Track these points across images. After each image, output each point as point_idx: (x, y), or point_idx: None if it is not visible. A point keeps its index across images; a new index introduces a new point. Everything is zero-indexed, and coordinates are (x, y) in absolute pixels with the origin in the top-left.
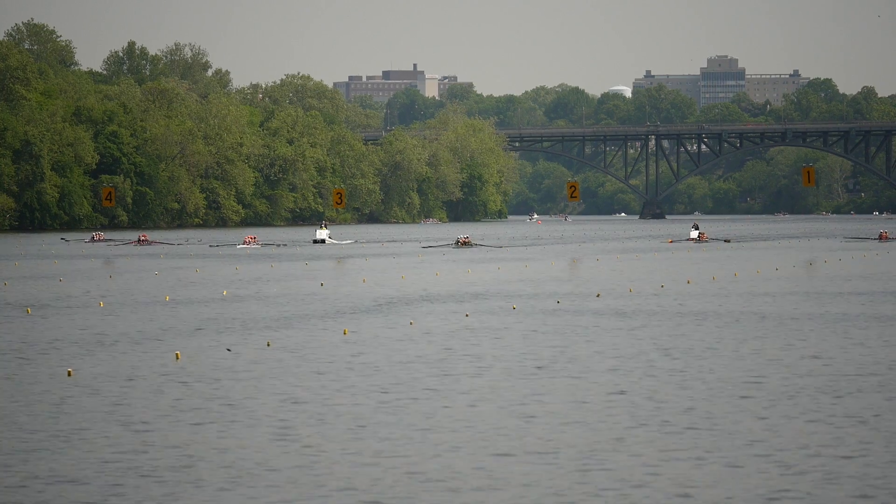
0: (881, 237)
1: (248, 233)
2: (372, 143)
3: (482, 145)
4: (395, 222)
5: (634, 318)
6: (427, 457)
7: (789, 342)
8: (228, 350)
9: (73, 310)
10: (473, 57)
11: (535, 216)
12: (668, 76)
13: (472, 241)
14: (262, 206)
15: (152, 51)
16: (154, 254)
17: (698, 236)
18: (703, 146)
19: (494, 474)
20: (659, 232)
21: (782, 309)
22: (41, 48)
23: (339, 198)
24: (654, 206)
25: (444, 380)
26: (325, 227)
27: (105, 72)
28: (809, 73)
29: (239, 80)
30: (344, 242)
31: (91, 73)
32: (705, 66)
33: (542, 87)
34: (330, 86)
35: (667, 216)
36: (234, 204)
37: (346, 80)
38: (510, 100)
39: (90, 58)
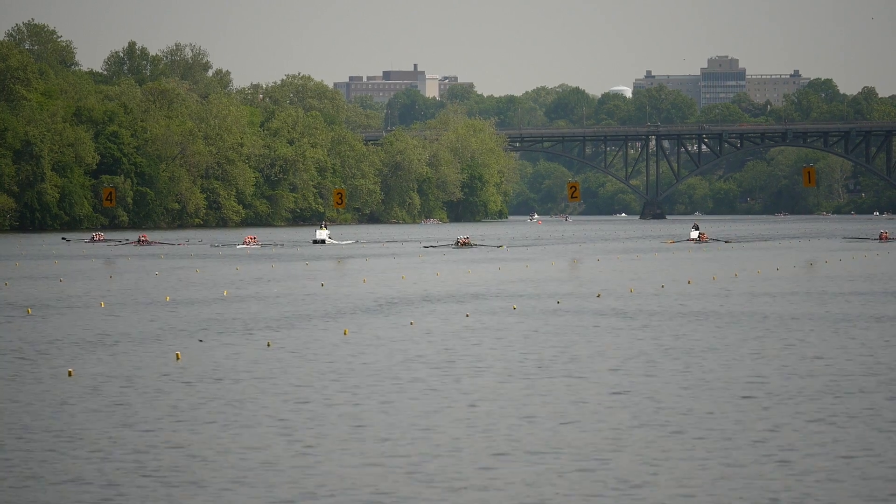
0: (881, 237)
1: (249, 233)
2: (372, 144)
3: (483, 145)
4: (395, 223)
5: (635, 318)
6: (427, 457)
7: (790, 342)
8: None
9: (73, 310)
10: (474, 57)
11: (536, 216)
12: (668, 76)
13: (472, 242)
14: (263, 207)
15: (153, 51)
16: (154, 254)
17: (698, 237)
18: (704, 146)
19: (495, 474)
20: (659, 232)
21: (783, 309)
22: (42, 48)
23: (340, 198)
24: (655, 207)
25: (445, 380)
26: (325, 227)
27: (105, 72)
28: (810, 73)
29: (239, 81)
30: (344, 243)
31: (91, 73)
32: (706, 66)
33: (543, 88)
34: (330, 86)
35: (667, 216)
36: (235, 204)
37: (347, 80)
38: (511, 100)
39: (91, 58)
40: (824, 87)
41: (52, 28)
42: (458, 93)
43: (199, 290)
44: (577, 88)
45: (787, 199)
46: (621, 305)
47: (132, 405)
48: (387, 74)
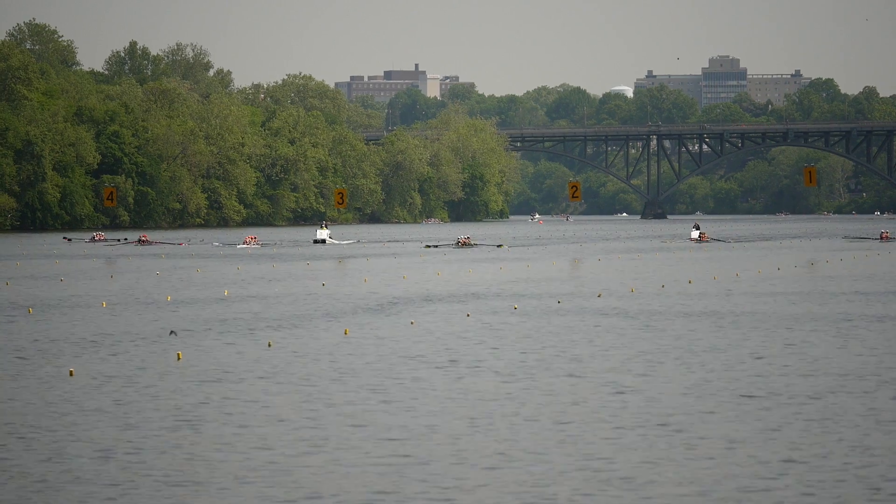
0: (882, 237)
1: (249, 233)
2: (373, 143)
3: (484, 145)
4: (396, 222)
5: (636, 318)
6: (429, 457)
7: (791, 342)
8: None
9: (74, 310)
10: (475, 57)
11: (537, 216)
12: (669, 76)
13: (473, 242)
14: (264, 206)
15: (154, 51)
16: (155, 254)
17: (699, 237)
18: (705, 146)
19: (495, 474)
20: (660, 232)
21: (784, 309)
22: (43, 48)
23: (341, 198)
24: (656, 207)
25: (446, 380)
26: (326, 227)
27: (107, 72)
28: (811, 73)
29: (240, 81)
30: (344, 242)
31: (93, 73)
32: (707, 66)
33: (544, 87)
34: (331, 86)
35: (668, 216)
36: (236, 204)
37: (348, 80)
38: (512, 100)
39: (92, 58)
40: (825, 87)
41: (53, 28)
42: (459, 92)
43: (200, 290)
44: (579, 88)
45: (788, 198)
46: (622, 305)
47: (133, 405)
48: (388, 74)
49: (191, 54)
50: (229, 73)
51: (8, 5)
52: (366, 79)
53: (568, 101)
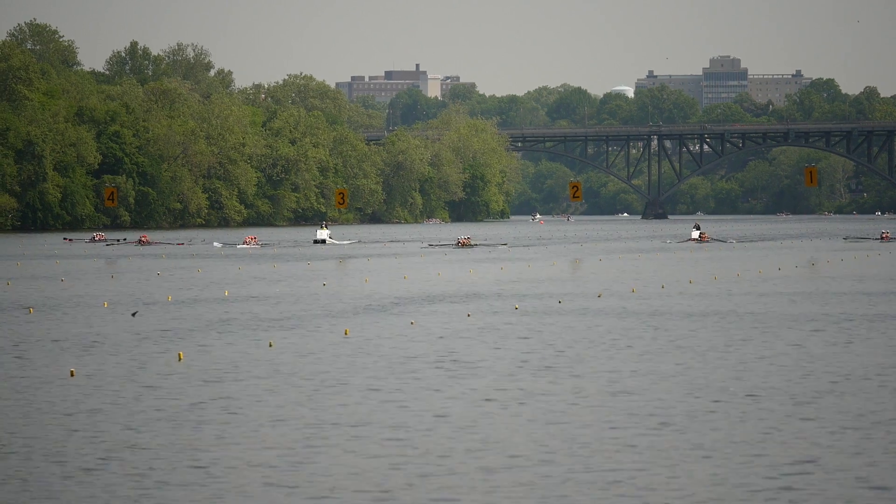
0: (882, 237)
1: (250, 233)
2: (374, 144)
3: (484, 145)
4: (397, 222)
5: (636, 318)
6: (428, 457)
7: (792, 342)
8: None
9: (75, 310)
10: (476, 57)
11: (538, 216)
12: (670, 76)
13: (473, 242)
14: (265, 206)
15: (155, 51)
16: (156, 254)
17: (699, 237)
18: (706, 146)
19: (496, 474)
20: (661, 232)
21: (784, 309)
22: (44, 48)
23: (342, 198)
24: (657, 207)
25: (446, 379)
26: (326, 227)
27: (107, 72)
28: (812, 73)
29: (241, 81)
30: (344, 242)
31: (93, 73)
32: (708, 66)
33: (545, 88)
34: (332, 86)
35: (669, 216)
36: (237, 204)
37: (349, 80)
38: (512, 100)
39: (92, 58)
40: (826, 87)
41: (54, 28)
42: (459, 93)
43: (200, 291)
44: (579, 88)
45: (789, 198)
46: (623, 305)
47: (134, 405)
48: (389, 74)
49: (191, 54)
50: (230, 73)
51: (8, 5)
52: (366, 79)
53: (569, 102)
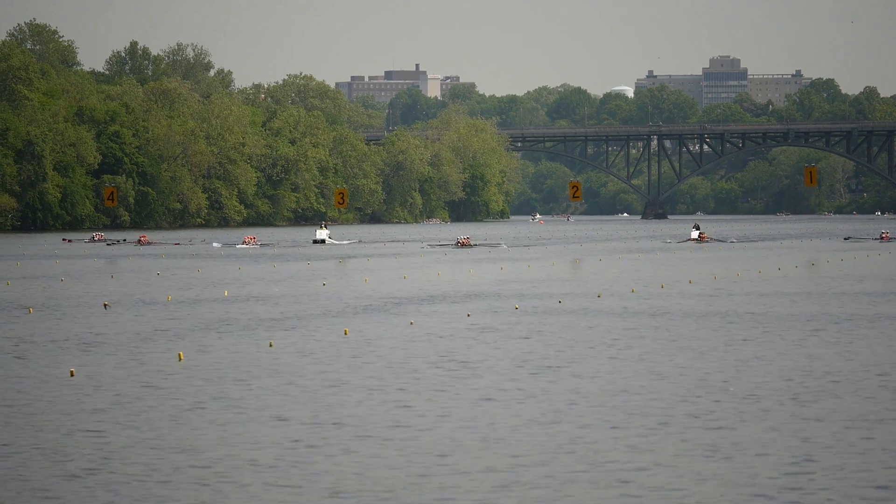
0: (882, 238)
1: (249, 233)
2: (374, 144)
3: (484, 145)
4: (397, 222)
5: (636, 318)
6: (429, 457)
7: (792, 342)
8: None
9: (75, 310)
10: (475, 57)
11: (538, 216)
12: (670, 76)
13: (473, 242)
14: (265, 206)
15: (154, 51)
16: (155, 254)
17: (699, 237)
18: (706, 146)
19: (497, 474)
20: (661, 232)
21: (784, 309)
22: (43, 48)
23: (342, 198)
24: (657, 207)
25: (446, 380)
26: (325, 227)
27: (107, 72)
28: (811, 73)
29: (241, 81)
30: (344, 242)
31: (93, 73)
32: (707, 66)
33: (545, 88)
34: (332, 86)
35: (669, 216)
36: (237, 204)
37: (349, 80)
38: (512, 100)
39: (92, 58)
40: (826, 87)
41: (53, 28)
42: (459, 92)
43: (200, 291)
44: (579, 88)
45: (789, 198)
46: (623, 305)
47: (134, 405)
48: (388, 74)
49: (191, 54)
50: (230, 73)
51: (8, 5)
52: (366, 79)
53: (568, 102)
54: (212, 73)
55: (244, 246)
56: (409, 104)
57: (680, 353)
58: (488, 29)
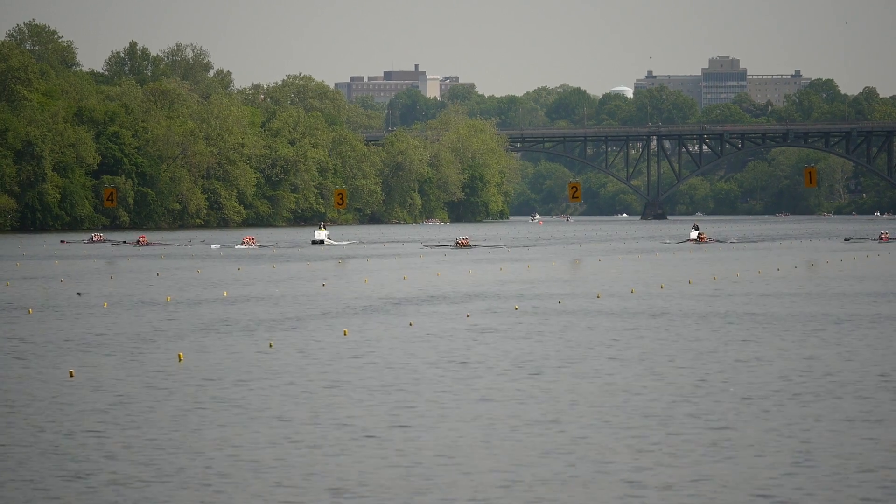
0: (881, 238)
1: (248, 233)
2: (373, 144)
3: (484, 146)
4: (396, 223)
5: (636, 318)
6: (429, 457)
7: (792, 343)
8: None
9: (74, 310)
10: (475, 57)
11: (537, 217)
12: (669, 77)
13: (472, 242)
14: (264, 207)
15: (154, 51)
16: (155, 254)
17: (698, 237)
18: (705, 147)
19: (497, 474)
20: (660, 232)
21: (784, 309)
22: (43, 49)
23: (341, 198)
24: (656, 207)
25: (446, 380)
26: (324, 227)
27: (106, 72)
28: (811, 73)
29: (240, 81)
30: (343, 243)
31: (92, 73)
32: (707, 66)
33: (544, 88)
34: (331, 86)
35: (668, 217)
36: (236, 204)
37: (348, 80)
38: (512, 100)
39: (92, 58)
40: (825, 88)
41: (52, 28)
42: (459, 93)
43: (200, 291)
44: (578, 89)
45: (788, 199)
46: (622, 306)
47: (134, 406)
48: (388, 75)
49: (191, 55)
50: (229, 73)
51: (8, 5)
52: (366, 79)
53: (568, 102)
54: (211, 73)
55: (242, 246)
56: (408, 105)
57: (680, 354)
58: (488, 29)
